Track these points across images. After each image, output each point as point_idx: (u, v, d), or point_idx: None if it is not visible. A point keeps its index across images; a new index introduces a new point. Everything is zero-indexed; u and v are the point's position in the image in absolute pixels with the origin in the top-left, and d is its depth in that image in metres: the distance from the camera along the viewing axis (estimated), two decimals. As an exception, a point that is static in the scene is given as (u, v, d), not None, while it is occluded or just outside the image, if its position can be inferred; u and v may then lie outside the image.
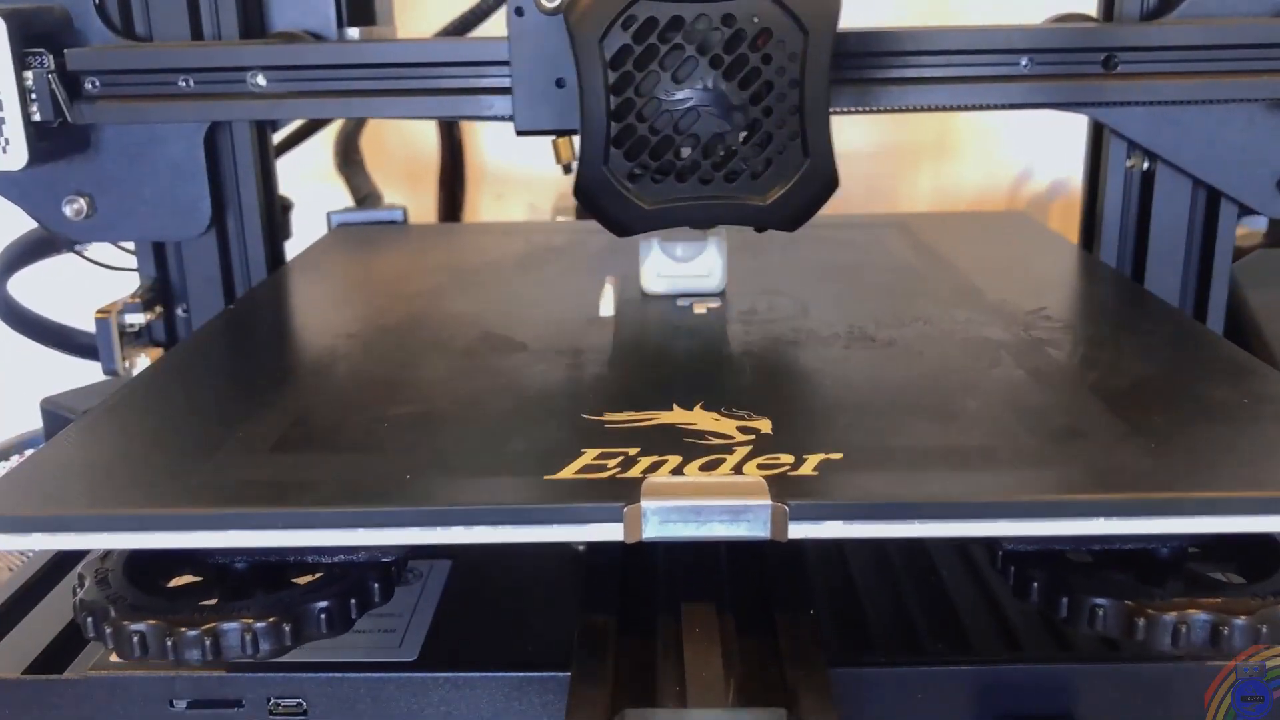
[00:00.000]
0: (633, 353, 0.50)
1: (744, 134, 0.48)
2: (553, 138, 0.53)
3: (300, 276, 0.66)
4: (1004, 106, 0.55)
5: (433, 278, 0.64)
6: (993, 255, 0.68)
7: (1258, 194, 0.58)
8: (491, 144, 0.96)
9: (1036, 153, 0.96)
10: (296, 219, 0.71)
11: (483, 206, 0.98)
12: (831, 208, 0.81)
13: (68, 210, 0.57)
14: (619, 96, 0.47)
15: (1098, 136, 0.66)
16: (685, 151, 0.48)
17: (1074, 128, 0.69)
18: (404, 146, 0.96)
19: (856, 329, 0.52)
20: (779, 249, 0.67)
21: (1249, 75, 0.54)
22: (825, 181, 0.49)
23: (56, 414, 0.61)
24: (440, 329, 0.54)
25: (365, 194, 0.86)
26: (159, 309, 0.64)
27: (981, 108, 0.55)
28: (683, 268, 0.57)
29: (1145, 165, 0.62)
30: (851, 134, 0.95)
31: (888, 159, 0.97)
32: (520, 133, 0.52)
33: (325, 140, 0.87)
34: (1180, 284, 0.62)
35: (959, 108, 0.55)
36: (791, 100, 0.47)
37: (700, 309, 0.56)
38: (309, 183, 0.81)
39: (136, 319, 0.62)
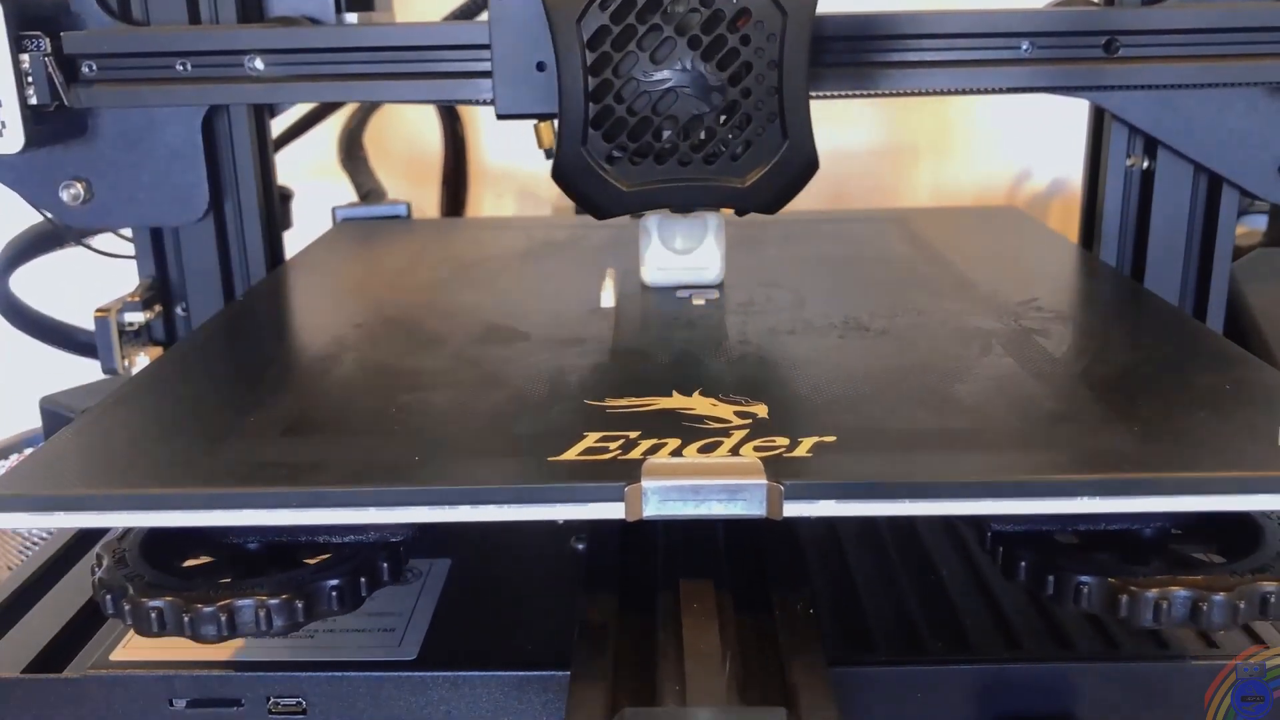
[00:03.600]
0: (633, 342, 0.51)
1: (723, 116, 0.48)
2: (534, 122, 0.53)
3: (305, 270, 0.66)
4: (1005, 90, 0.55)
5: (437, 271, 0.64)
6: (987, 249, 0.68)
7: (1259, 179, 0.58)
8: (493, 140, 0.96)
9: (1036, 151, 0.96)
10: (302, 214, 0.71)
11: (485, 202, 0.98)
12: (832, 204, 0.81)
13: (65, 195, 0.57)
14: (597, 77, 0.47)
15: (1098, 134, 0.65)
16: (664, 133, 0.48)
17: (1073, 126, 0.69)
18: (407, 143, 0.96)
19: (851, 319, 0.52)
20: (776, 243, 0.68)
21: (1250, 59, 0.54)
22: (804, 163, 0.49)
23: (56, 412, 0.61)
24: (445, 320, 0.55)
25: (369, 189, 0.87)
26: (158, 308, 0.64)
27: (982, 91, 0.55)
28: (682, 260, 0.58)
29: (1145, 164, 0.62)
30: (853, 133, 0.96)
31: (889, 158, 0.97)
32: (501, 117, 0.52)
33: (329, 137, 0.87)
34: (1180, 282, 0.62)
35: (960, 91, 0.54)
36: (770, 81, 0.47)
37: (699, 300, 0.56)
38: (314, 178, 0.81)
39: (136, 318, 0.62)
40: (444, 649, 0.41)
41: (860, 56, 0.53)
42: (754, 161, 0.48)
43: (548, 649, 0.40)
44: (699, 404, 0.41)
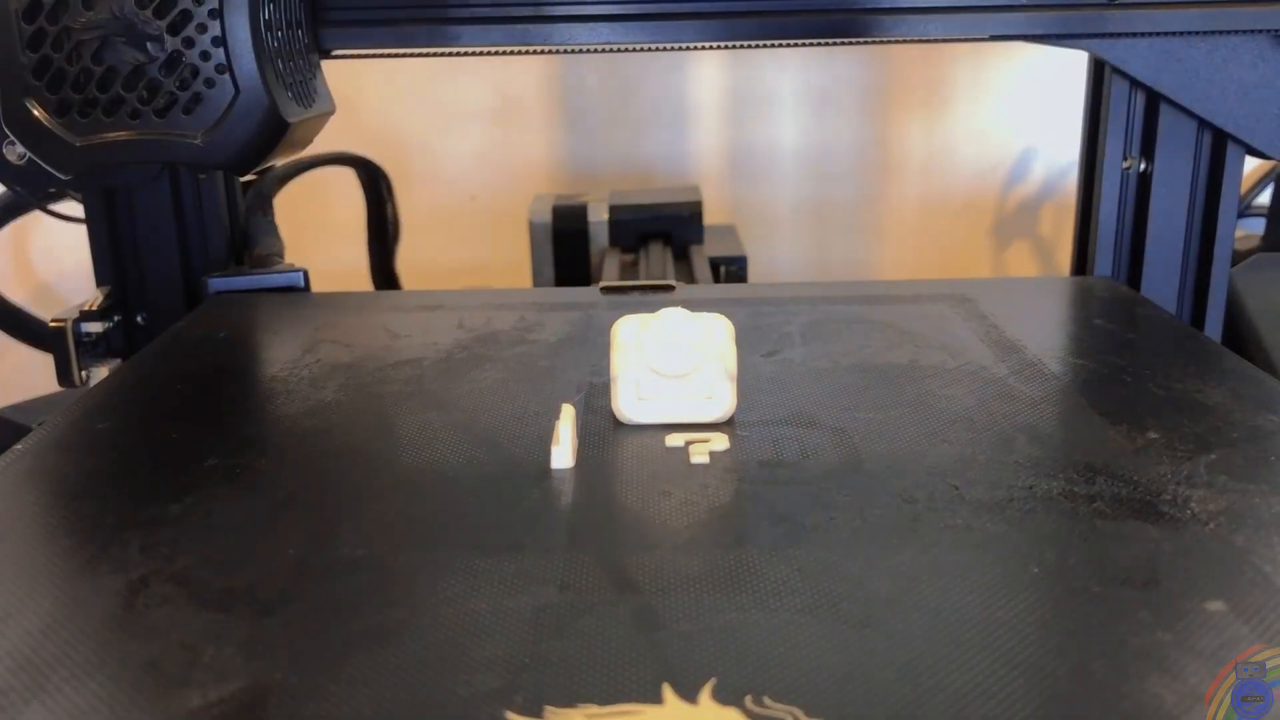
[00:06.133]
0: (597, 554, 0.32)
1: (166, 67, 0.47)
2: None
3: (145, 377, 0.48)
4: (1001, 38, 0.53)
5: (315, 390, 0.45)
6: (1100, 351, 0.48)
7: (1265, 135, 0.56)
8: (430, 191, 0.94)
9: (1032, 150, 0.95)
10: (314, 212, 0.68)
11: (424, 256, 0.90)
12: (827, 210, 0.78)
13: (10, 155, 0.54)
14: (30, 25, 0.46)
15: (1093, 136, 0.64)
16: (111, 86, 0.47)
17: (1071, 125, 0.67)
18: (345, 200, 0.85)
19: (940, 492, 0.34)
20: (805, 339, 0.50)
21: (1257, 4, 0.52)
22: (265, 118, 0.47)
23: (11, 421, 0.60)
24: (305, 497, 0.36)
25: (268, 253, 0.66)
26: (117, 318, 0.60)
27: (978, 39, 0.53)
28: (674, 387, 0.41)
29: (1141, 166, 0.60)
30: (848, 133, 0.94)
31: (883, 157, 0.96)
32: None
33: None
34: (1178, 288, 0.61)
35: (954, 39, 0.53)
36: (213, 31, 0.46)
37: (699, 456, 0.38)
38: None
39: (94, 328, 0.59)
40: None
41: (851, 2, 0.52)
42: (207, 116, 0.47)
43: None
44: (709, 717, 0.24)
